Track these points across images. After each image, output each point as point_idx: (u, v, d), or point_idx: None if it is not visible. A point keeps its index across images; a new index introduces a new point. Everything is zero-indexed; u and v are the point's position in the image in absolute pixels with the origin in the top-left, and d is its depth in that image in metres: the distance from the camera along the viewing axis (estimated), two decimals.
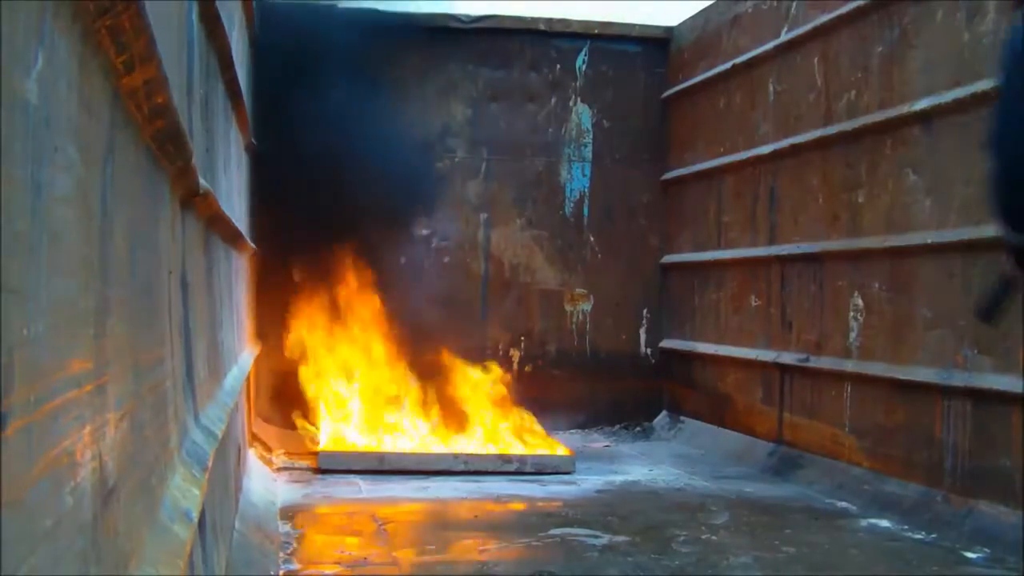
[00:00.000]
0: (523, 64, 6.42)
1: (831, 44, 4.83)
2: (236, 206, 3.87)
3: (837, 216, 4.75)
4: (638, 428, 6.49)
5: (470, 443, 5.32)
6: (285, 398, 5.63)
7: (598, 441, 6.20)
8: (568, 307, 6.55)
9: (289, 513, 3.97)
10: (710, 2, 6.11)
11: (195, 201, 2.17)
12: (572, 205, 6.51)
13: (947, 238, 3.94)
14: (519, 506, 4.28)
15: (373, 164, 5.54)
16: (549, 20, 6.44)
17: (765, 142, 5.36)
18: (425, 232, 6.30)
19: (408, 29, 5.97)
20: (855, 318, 4.57)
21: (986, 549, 3.45)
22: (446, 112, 6.31)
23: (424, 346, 5.78)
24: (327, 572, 3.21)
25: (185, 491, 1.64)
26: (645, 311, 6.64)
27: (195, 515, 1.58)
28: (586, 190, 6.51)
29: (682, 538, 3.68)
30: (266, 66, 5.40)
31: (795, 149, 5.08)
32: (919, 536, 3.68)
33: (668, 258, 6.56)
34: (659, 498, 4.47)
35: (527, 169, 6.44)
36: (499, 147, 6.38)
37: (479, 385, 5.72)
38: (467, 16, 6.30)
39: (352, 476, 4.75)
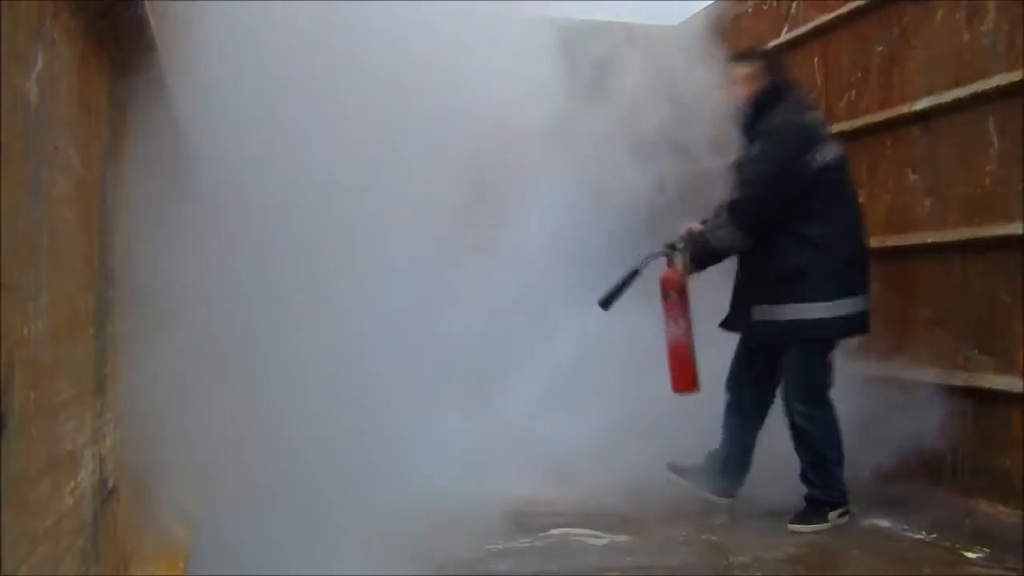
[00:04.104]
0: None
1: (831, 44, 4.83)
2: None
3: None
4: None
5: None
6: None
7: None
8: None
9: None
10: (710, 2, 6.10)
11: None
12: None
13: (947, 238, 3.93)
14: None
15: None
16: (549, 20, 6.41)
17: None
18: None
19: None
20: None
21: (986, 549, 3.45)
22: None
23: None
24: None
25: (185, 491, 1.64)
26: None
27: (195, 515, 1.58)
28: None
29: (682, 537, 3.69)
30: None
31: None
32: (919, 536, 3.68)
33: None
34: None
35: None
36: None
37: None
38: None
39: None
